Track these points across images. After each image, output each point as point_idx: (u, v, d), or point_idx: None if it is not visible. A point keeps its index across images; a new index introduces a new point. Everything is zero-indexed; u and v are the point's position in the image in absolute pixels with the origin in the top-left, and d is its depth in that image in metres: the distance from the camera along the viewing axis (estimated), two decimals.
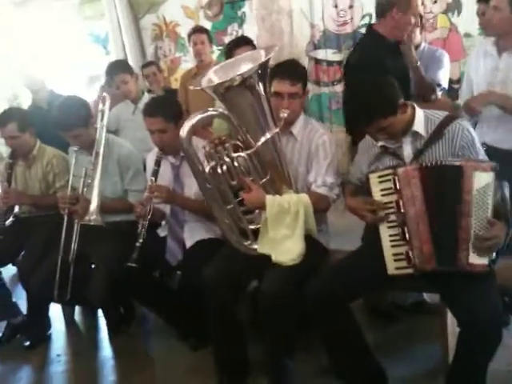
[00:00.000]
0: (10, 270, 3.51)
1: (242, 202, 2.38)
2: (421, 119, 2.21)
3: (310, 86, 5.48)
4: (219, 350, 2.61)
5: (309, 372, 2.57)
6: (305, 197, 2.40)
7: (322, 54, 5.37)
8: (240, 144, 2.37)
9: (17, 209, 3.51)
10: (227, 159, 2.34)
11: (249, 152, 2.31)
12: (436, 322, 2.41)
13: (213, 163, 2.34)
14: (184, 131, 2.31)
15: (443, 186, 2.04)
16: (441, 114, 2.23)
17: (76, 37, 7.09)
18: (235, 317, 2.52)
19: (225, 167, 2.34)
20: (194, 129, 2.36)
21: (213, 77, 2.33)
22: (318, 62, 5.41)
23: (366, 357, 2.33)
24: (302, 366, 2.56)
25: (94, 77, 7.02)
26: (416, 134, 2.21)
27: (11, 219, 3.47)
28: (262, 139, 2.27)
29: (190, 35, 4.20)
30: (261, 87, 2.23)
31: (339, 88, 5.36)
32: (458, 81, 4.44)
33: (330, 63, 5.37)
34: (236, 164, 2.34)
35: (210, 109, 2.41)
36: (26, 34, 7.34)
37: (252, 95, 2.22)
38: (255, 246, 2.44)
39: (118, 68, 3.92)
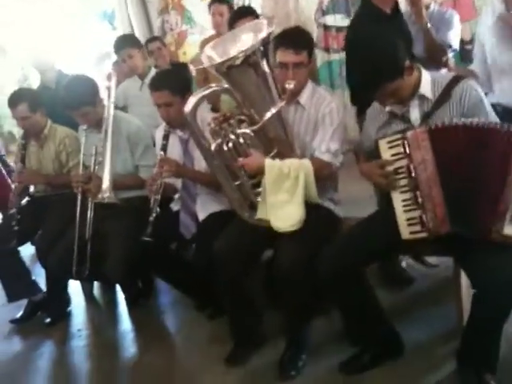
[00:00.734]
0: (28, 249, 3.56)
1: (249, 175, 2.37)
2: (427, 82, 2.16)
3: (320, 54, 5.42)
4: (232, 320, 2.66)
5: (325, 338, 2.59)
6: (307, 162, 2.36)
7: (330, 19, 5.29)
8: (245, 119, 2.34)
9: (32, 188, 3.55)
10: (232, 136, 2.32)
11: (254, 128, 2.28)
12: (450, 284, 2.41)
13: (218, 140, 2.33)
14: (188, 108, 2.29)
15: (458, 147, 2.00)
16: (447, 76, 2.18)
17: (82, 14, 7.06)
18: (246, 289, 2.54)
19: (230, 144, 2.32)
20: (199, 103, 2.34)
21: (211, 53, 2.29)
22: (326, 28, 5.34)
23: (381, 322, 2.34)
24: (317, 331, 2.60)
25: (102, 54, 7.02)
26: (423, 97, 2.16)
27: (27, 199, 3.51)
28: (268, 114, 2.23)
29: (210, 5, 4.14)
30: (264, 63, 2.19)
31: None
32: (470, 42, 4.34)
33: (339, 29, 5.29)
34: (242, 140, 2.32)
35: (213, 84, 2.38)
36: (33, 15, 7.32)
37: (255, 72, 2.19)
38: (265, 219, 2.42)
39: (124, 42, 3.88)
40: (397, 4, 2.92)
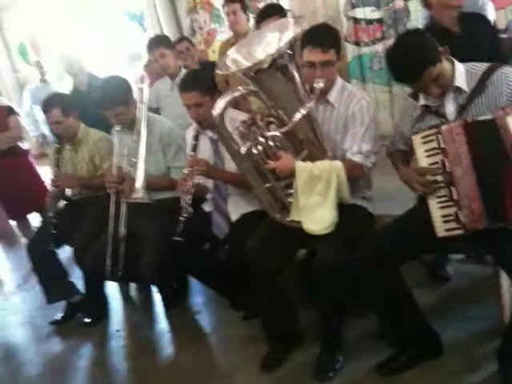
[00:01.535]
0: (66, 251, 3.63)
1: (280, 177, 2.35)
2: (461, 73, 2.11)
3: (350, 47, 5.34)
4: (267, 321, 2.65)
5: (361, 339, 2.56)
6: (338, 164, 2.33)
7: (360, 12, 5.19)
8: (274, 121, 2.32)
9: (68, 192, 3.60)
10: (262, 139, 2.30)
11: (283, 130, 2.25)
12: (489, 281, 2.35)
13: (248, 143, 2.31)
14: (217, 111, 2.29)
15: (491, 140, 1.95)
16: (481, 66, 2.12)
17: (113, 16, 7.14)
18: (280, 288, 2.53)
19: (260, 147, 2.30)
20: (228, 106, 2.33)
21: (236, 56, 2.27)
22: (356, 21, 5.24)
23: (418, 322, 2.31)
24: (354, 332, 2.58)
25: (133, 55, 7.09)
26: (458, 90, 2.11)
27: (64, 202, 3.57)
28: (297, 115, 2.19)
29: (223, 6, 4.14)
30: (292, 64, 2.16)
31: (380, 47, 5.18)
32: (506, 30, 4.19)
33: (369, 22, 5.19)
34: (271, 143, 2.30)
35: (241, 87, 2.36)
36: (62, 17, 7.45)
37: (283, 75, 2.17)
38: (297, 220, 2.40)
39: (158, 42, 3.91)
40: (461, 15, 2.83)
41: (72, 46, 4.41)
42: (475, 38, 2.53)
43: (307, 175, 2.29)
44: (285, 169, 2.30)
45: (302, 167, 2.29)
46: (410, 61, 1.99)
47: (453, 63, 2.11)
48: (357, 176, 2.43)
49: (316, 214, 2.32)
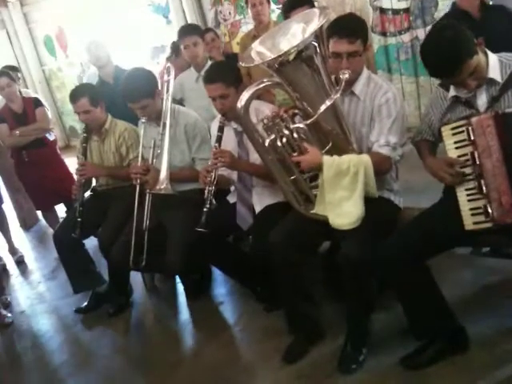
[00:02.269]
0: (92, 242, 3.67)
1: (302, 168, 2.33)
2: (495, 64, 2.06)
3: (376, 38, 5.28)
4: (290, 312, 2.65)
5: (386, 332, 2.55)
6: (366, 157, 2.29)
7: (386, 2, 5.13)
8: (299, 113, 2.30)
9: (94, 183, 3.64)
10: (286, 131, 2.28)
11: (308, 122, 2.22)
12: None
13: (272, 136, 2.29)
14: (241, 103, 2.28)
15: None
16: None
17: (136, 8, 7.17)
18: (303, 279, 2.52)
19: (284, 139, 2.28)
20: (253, 98, 2.32)
21: (260, 48, 2.25)
22: (382, 11, 5.18)
23: (445, 315, 2.28)
24: (379, 325, 2.56)
25: (157, 48, 7.12)
26: (491, 81, 2.06)
27: (90, 193, 3.61)
28: (322, 107, 2.16)
29: None
30: (318, 56, 2.13)
31: (407, 37, 5.12)
32: None
33: (395, 12, 5.13)
34: (296, 135, 2.28)
35: (265, 79, 2.34)
36: (88, 10, 7.51)
37: (308, 66, 2.13)
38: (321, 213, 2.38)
39: (192, 29, 3.90)
40: (483, 4, 2.77)
41: (98, 38, 4.41)
42: (494, 28, 2.47)
43: (334, 170, 2.26)
44: (311, 163, 2.28)
45: (330, 162, 2.26)
46: (450, 55, 1.93)
47: (486, 54, 2.06)
48: (384, 169, 2.38)
49: (343, 208, 2.29)
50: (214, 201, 2.72)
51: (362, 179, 2.27)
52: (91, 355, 3.08)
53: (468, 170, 2.03)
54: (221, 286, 3.47)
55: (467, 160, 2.03)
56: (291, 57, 2.09)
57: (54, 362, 3.11)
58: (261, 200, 2.90)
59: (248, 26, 5.95)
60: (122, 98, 3.04)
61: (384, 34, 5.24)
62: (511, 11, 2.84)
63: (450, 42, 1.94)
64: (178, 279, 3.59)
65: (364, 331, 2.48)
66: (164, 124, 3.03)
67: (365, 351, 2.44)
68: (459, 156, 2.05)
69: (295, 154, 2.31)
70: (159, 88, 3.12)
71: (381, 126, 2.38)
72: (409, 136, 2.53)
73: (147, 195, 3.07)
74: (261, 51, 2.27)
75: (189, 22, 6.47)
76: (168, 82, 3.16)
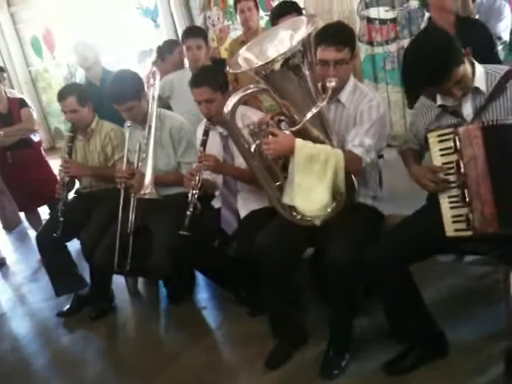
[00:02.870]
0: (75, 245, 3.64)
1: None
2: (481, 74, 2.08)
3: (363, 47, 5.32)
4: (274, 317, 2.66)
5: (368, 336, 2.56)
6: (338, 151, 2.28)
7: (374, 12, 5.17)
8: (285, 119, 2.31)
9: (77, 185, 3.62)
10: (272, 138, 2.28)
11: (294, 129, 2.23)
12: (498, 283, 2.34)
13: (258, 142, 2.29)
14: (227, 109, 2.28)
15: (510, 145, 1.94)
16: (501, 68, 2.10)
17: (125, 11, 7.15)
18: (288, 284, 2.53)
19: None
20: (239, 104, 2.33)
21: (248, 54, 2.25)
22: (370, 21, 5.22)
23: (425, 320, 2.30)
24: (361, 330, 2.57)
25: (145, 51, 7.10)
26: (477, 91, 2.08)
27: (73, 195, 3.59)
28: (309, 115, 2.17)
29: (236, 3, 4.12)
30: (305, 63, 2.14)
31: (393, 47, 5.16)
32: None
33: (382, 22, 5.16)
34: None
35: (252, 85, 2.35)
36: (77, 11, 7.46)
37: (295, 74, 2.14)
38: (306, 219, 2.38)
39: (198, 32, 3.88)
40: (458, 19, 2.82)
41: (85, 39, 4.39)
42: (470, 42, 2.51)
43: (306, 154, 2.24)
44: (283, 145, 2.25)
45: (301, 145, 2.24)
46: (441, 61, 1.94)
47: (473, 64, 2.09)
48: (354, 169, 2.34)
49: (311, 194, 2.28)
50: (198, 204, 2.72)
51: (332, 169, 2.24)
52: (72, 359, 3.05)
53: (452, 178, 2.05)
54: (204, 291, 3.46)
55: (451, 168, 2.05)
56: (278, 64, 2.09)
57: (34, 365, 3.07)
58: (246, 205, 2.91)
59: (237, 31, 5.96)
60: (108, 99, 3.03)
61: (371, 43, 5.28)
62: (483, 26, 2.88)
63: (439, 49, 1.95)
64: (161, 283, 3.56)
65: (347, 336, 2.49)
66: (149, 127, 3.02)
67: (347, 356, 2.45)
68: (444, 163, 2.07)
69: (280, 161, 2.32)
70: (145, 91, 3.12)
71: (358, 128, 2.39)
72: (391, 144, 2.55)
73: (132, 199, 3.06)
74: (248, 57, 2.27)
75: (177, 25, 6.48)
76: (153, 85, 3.16)
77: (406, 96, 2.36)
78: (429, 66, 1.95)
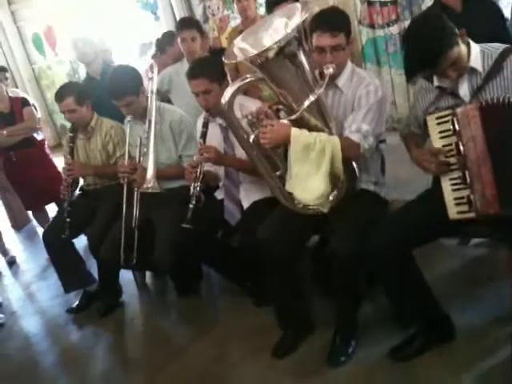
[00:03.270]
0: (82, 241, 3.65)
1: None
2: (477, 55, 2.05)
3: (365, 30, 5.26)
4: (279, 307, 2.65)
5: (374, 324, 2.55)
6: (335, 138, 2.25)
7: None
8: (283, 108, 2.28)
9: (82, 182, 3.62)
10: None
11: (292, 117, 2.20)
12: (502, 266, 2.32)
13: (256, 131, 2.27)
14: (225, 99, 2.26)
15: (510, 124, 1.91)
16: (498, 47, 2.06)
17: (125, 5, 7.13)
18: (292, 273, 2.52)
19: None
20: (237, 94, 2.31)
21: (243, 44, 2.23)
22: (370, 3, 5.15)
23: (430, 304, 2.29)
24: (366, 317, 2.56)
25: (145, 44, 7.08)
26: (473, 71, 2.05)
27: (78, 192, 3.59)
28: (306, 103, 2.14)
29: None
30: (301, 50, 2.12)
31: (395, 29, 5.10)
32: None
33: (383, 3, 5.10)
34: None
35: (249, 75, 2.32)
36: (77, 7, 7.45)
37: (291, 62, 2.11)
38: (309, 207, 2.36)
39: (192, 23, 3.81)
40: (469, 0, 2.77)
41: (84, 35, 4.37)
42: (475, 21, 2.46)
43: (302, 143, 2.21)
44: (279, 134, 2.22)
45: (297, 134, 2.22)
46: (432, 44, 1.93)
47: (468, 45, 2.05)
48: (352, 155, 2.32)
49: (308, 183, 2.26)
50: (202, 197, 2.71)
51: (328, 157, 2.21)
52: (83, 355, 3.07)
53: (453, 160, 2.03)
54: (211, 283, 3.46)
55: (451, 150, 2.02)
56: (273, 52, 2.07)
57: (43, 363, 3.09)
58: (248, 196, 2.90)
59: (237, 20, 5.91)
60: (107, 95, 3.02)
61: (372, 26, 5.21)
62: (492, 3, 2.83)
63: (431, 32, 1.94)
64: (168, 277, 3.57)
65: (353, 324, 2.48)
66: (149, 121, 3.02)
67: (354, 343, 2.45)
68: (444, 146, 2.05)
69: (279, 150, 2.30)
70: (144, 85, 3.10)
71: (356, 113, 2.36)
72: (398, 127, 2.51)
73: (135, 193, 3.06)
74: (243, 47, 2.25)
75: (177, 18, 6.44)
76: (152, 79, 3.14)
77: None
78: (422, 49, 1.94)
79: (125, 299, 3.51)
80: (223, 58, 2.37)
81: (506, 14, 2.94)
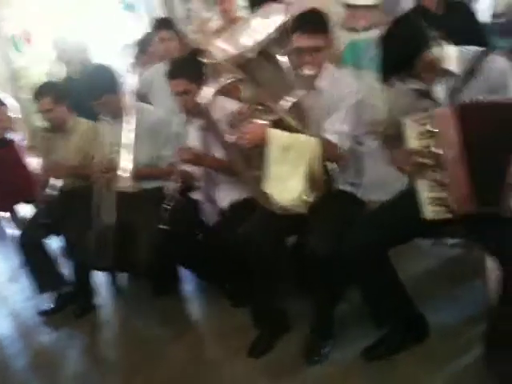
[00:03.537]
0: (56, 242, 3.60)
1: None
2: (454, 57, 2.07)
3: (344, 34, 5.28)
4: (257, 307, 2.65)
5: (349, 324, 2.56)
6: (314, 140, 2.26)
7: None
8: (263, 109, 2.28)
9: (60, 182, 3.57)
10: None
11: (272, 118, 2.21)
12: (476, 265, 2.37)
13: (236, 132, 2.28)
14: (204, 100, 2.27)
15: (486, 126, 1.92)
16: (474, 50, 2.09)
17: (108, 5, 7.09)
18: (270, 273, 2.51)
19: None
20: (216, 95, 2.32)
21: (223, 44, 2.24)
22: (351, 7, 5.17)
23: (405, 304, 2.30)
24: (343, 316, 2.56)
25: (127, 45, 7.03)
26: (449, 73, 2.07)
27: (55, 192, 3.55)
28: (286, 103, 2.16)
29: None
30: (280, 51, 2.13)
31: (375, 33, 5.13)
32: (502, 15, 4.12)
33: (363, 8, 5.12)
34: None
35: (227, 75, 2.32)
36: (57, 4, 7.38)
37: (271, 62, 2.14)
38: (287, 207, 2.35)
39: (166, 23, 3.79)
40: (448, 4, 2.81)
41: (64, 35, 4.33)
42: (453, 24, 2.50)
43: (281, 143, 2.22)
44: (259, 134, 2.22)
45: (277, 134, 2.22)
46: (406, 46, 1.95)
47: (445, 47, 2.07)
48: (331, 156, 2.34)
49: (286, 184, 2.27)
50: (179, 197, 2.70)
51: (307, 158, 2.22)
52: (56, 357, 3.02)
53: (429, 161, 2.04)
54: (187, 285, 3.43)
55: (428, 151, 2.03)
56: (254, 53, 2.07)
57: (17, 365, 3.03)
58: (226, 196, 2.88)
59: (218, 22, 5.92)
60: (85, 94, 3.00)
61: (353, 29, 5.24)
62: (470, 7, 2.87)
63: (407, 34, 1.96)
64: (144, 278, 3.53)
65: (329, 324, 2.49)
66: (127, 121, 2.99)
67: (330, 343, 2.45)
68: (420, 147, 2.05)
69: (259, 149, 2.29)
70: (122, 85, 3.08)
71: (336, 114, 2.37)
72: (376, 131, 2.53)
73: (111, 194, 3.02)
74: (224, 47, 2.25)
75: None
76: (132, 78, 3.13)
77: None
78: (397, 51, 1.97)
79: (100, 301, 3.46)
80: (204, 58, 2.36)
81: (485, 17, 2.98)
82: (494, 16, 3.60)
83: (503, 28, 3.54)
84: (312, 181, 2.29)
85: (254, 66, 2.15)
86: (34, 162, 4.13)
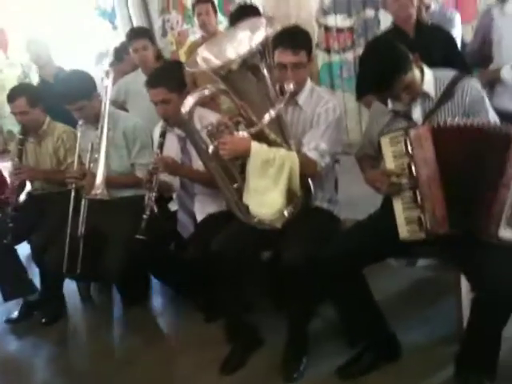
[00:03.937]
0: (24, 248, 3.52)
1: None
2: (430, 80, 2.15)
3: (321, 54, 5.39)
4: (229, 321, 2.63)
5: (324, 341, 2.55)
6: (293, 154, 2.29)
7: (331, 20, 5.24)
8: (243, 121, 2.29)
9: (29, 186, 3.51)
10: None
11: (252, 131, 2.22)
12: (449, 287, 2.38)
13: (216, 143, 2.27)
14: (185, 109, 2.26)
15: (460, 147, 1.98)
16: (449, 74, 2.17)
17: (82, 11, 7.03)
18: (243, 287, 2.51)
19: None
20: (197, 104, 2.31)
21: (206, 54, 2.24)
22: (327, 29, 5.29)
23: (378, 323, 2.32)
24: (317, 332, 2.56)
25: (102, 53, 6.99)
26: (426, 95, 2.14)
27: (24, 197, 3.48)
28: (266, 117, 2.17)
29: (193, 5, 4.11)
30: (263, 65, 2.14)
31: (350, 55, 5.25)
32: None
33: (340, 30, 5.25)
34: None
35: (209, 85, 2.33)
36: (32, 10, 7.29)
37: (254, 75, 2.13)
38: (264, 221, 2.36)
39: (143, 33, 3.82)
40: (420, 23, 2.89)
41: (38, 37, 4.28)
42: (427, 47, 2.57)
43: (262, 157, 2.23)
44: (239, 147, 2.23)
45: (258, 148, 2.23)
46: (384, 69, 1.99)
47: (422, 70, 2.14)
48: (308, 172, 2.36)
49: (265, 198, 2.28)
50: (155, 207, 2.68)
51: (286, 173, 2.24)
52: (22, 366, 2.96)
53: (404, 181, 2.07)
54: (159, 296, 3.41)
55: (403, 170, 2.07)
56: (237, 65, 2.09)
57: None
58: (203, 208, 2.88)
59: (196, 35, 5.93)
60: (59, 99, 2.97)
61: (328, 50, 5.35)
62: (447, 32, 2.96)
63: (387, 56, 2.02)
64: (114, 288, 3.48)
65: (305, 339, 2.49)
66: (102, 127, 2.97)
67: (305, 359, 2.44)
68: (396, 166, 2.09)
69: (238, 162, 2.30)
70: (98, 91, 3.06)
71: (314, 131, 2.41)
72: (351, 151, 2.58)
73: (83, 200, 2.98)
74: (207, 57, 2.25)
75: None
76: (107, 86, 3.11)
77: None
78: (377, 71, 2.01)
79: (68, 310, 3.39)
80: (185, 67, 2.36)
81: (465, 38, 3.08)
82: (465, 45, 3.70)
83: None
84: (290, 196, 2.31)
85: (237, 77, 2.14)
86: (5, 166, 4.06)
